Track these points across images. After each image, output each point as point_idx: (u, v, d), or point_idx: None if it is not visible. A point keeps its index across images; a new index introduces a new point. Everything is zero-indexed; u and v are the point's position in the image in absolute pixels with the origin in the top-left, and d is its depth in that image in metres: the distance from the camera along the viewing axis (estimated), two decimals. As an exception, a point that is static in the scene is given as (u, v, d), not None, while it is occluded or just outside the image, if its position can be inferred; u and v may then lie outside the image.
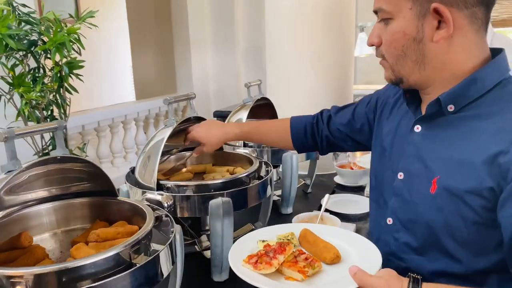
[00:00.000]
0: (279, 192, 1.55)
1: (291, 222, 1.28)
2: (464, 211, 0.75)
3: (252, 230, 1.29)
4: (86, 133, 3.43)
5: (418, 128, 0.85)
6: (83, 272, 0.64)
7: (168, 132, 1.11)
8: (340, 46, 1.95)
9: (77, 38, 1.54)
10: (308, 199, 1.68)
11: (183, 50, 5.35)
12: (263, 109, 1.69)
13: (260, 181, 1.11)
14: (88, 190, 0.91)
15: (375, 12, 0.83)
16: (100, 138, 3.68)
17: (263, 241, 0.87)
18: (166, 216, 0.86)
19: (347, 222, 1.39)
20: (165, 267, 0.74)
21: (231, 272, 1.04)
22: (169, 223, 0.84)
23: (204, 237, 1.24)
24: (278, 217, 1.48)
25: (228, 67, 5.39)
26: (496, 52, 0.80)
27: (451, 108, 0.79)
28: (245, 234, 1.22)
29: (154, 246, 0.79)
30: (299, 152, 1.26)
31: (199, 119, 1.20)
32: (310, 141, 1.19)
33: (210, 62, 5.52)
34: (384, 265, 0.81)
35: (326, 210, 1.44)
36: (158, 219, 0.86)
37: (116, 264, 0.68)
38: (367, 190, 1.69)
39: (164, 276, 0.75)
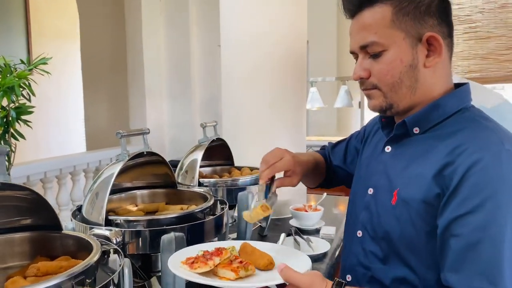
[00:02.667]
0: (234, 235, 1.51)
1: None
2: (416, 220, 0.82)
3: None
4: (32, 184, 3.24)
5: (388, 149, 0.94)
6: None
7: (118, 167, 1.08)
8: (293, 96, 2.00)
9: (27, 84, 1.50)
10: (264, 242, 1.64)
11: (138, 100, 5.33)
12: (218, 150, 1.68)
13: (214, 216, 1.08)
14: (30, 223, 0.84)
15: (362, 47, 0.88)
16: (46, 190, 3.49)
17: (202, 251, 0.89)
18: (115, 251, 0.81)
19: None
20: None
21: None
22: (118, 258, 0.79)
23: (154, 279, 1.17)
24: (233, 259, 1.44)
25: (183, 117, 5.40)
26: (460, 85, 0.90)
27: (416, 130, 0.88)
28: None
29: (100, 280, 0.73)
30: (324, 186, 1.29)
31: (153, 154, 1.17)
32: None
33: (165, 112, 5.52)
34: (353, 274, 0.90)
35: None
36: (105, 253, 0.81)
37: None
38: (322, 232, 1.69)
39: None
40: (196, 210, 1.07)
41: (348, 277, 1.00)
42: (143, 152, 1.15)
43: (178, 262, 0.85)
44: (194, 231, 1.02)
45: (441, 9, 0.85)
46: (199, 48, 5.44)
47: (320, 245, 1.53)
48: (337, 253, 1.56)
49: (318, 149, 1.37)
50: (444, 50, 0.85)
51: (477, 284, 0.73)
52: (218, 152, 1.70)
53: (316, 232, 1.72)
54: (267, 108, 1.94)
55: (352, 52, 0.92)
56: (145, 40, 5.22)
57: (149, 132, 1.18)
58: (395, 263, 0.86)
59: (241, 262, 0.85)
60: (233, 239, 1.53)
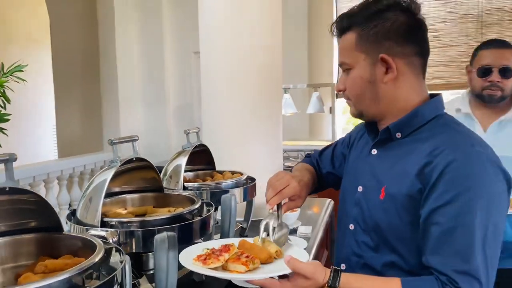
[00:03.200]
0: (217, 236, 1.59)
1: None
2: (401, 212, 0.96)
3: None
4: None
5: (374, 151, 1.08)
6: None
7: (111, 172, 1.14)
8: (270, 103, 2.10)
9: (2, 91, 1.53)
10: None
11: (111, 108, 5.32)
12: (200, 155, 1.76)
13: (202, 217, 1.16)
14: (34, 225, 0.90)
15: (340, 64, 1.07)
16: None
17: (208, 249, 1.01)
18: (116, 249, 0.87)
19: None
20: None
21: None
22: (118, 256, 0.86)
23: (144, 279, 1.24)
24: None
25: (158, 125, 5.43)
26: (435, 95, 1.06)
27: (398, 135, 1.03)
28: (185, 274, 1.26)
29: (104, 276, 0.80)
30: (314, 191, 1.35)
31: (142, 160, 1.24)
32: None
33: (140, 120, 5.53)
34: (347, 263, 1.04)
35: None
36: (107, 251, 0.88)
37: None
38: (299, 231, 1.79)
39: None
40: (185, 212, 1.15)
41: (343, 266, 1.11)
42: (132, 158, 1.22)
43: (190, 259, 0.95)
44: (184, 231, 1.10)
45: (399, 32, 0.99)
46: (173, 55, 5.48)
47: (299, 243, 1.63)
48: (313, 250, 1.66)
49: (294, 153, 1.46)
50: (404, 67, 1.00)
51: (453, 263, 0.86)
52: (200, 158, 1.78)
53: (293, 231, 1.82)
54: (246, 115, 2.03)
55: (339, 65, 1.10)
56: (118, 47, 5.22)
57: (138, 139, 1.25)
58: (384, 250, 1.00)
59: (247, 256, 0.94)
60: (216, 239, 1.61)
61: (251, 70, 2.03)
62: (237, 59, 2.02)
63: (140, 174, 1.33)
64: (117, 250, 0.87)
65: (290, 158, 4.18)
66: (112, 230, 1.02)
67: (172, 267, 1.04)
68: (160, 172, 1.61)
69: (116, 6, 5.10)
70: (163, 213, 1.24)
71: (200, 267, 0.92)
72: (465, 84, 4.73)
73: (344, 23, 1.04)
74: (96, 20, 5.24)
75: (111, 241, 0.99)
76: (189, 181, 1.62)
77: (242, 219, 1.83)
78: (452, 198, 0.88)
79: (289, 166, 3.81)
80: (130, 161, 1.22)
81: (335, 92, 4.57)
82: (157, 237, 1.03)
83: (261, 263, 0.96)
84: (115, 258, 0.87)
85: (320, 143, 4.31)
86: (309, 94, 4.53)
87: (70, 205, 4.00)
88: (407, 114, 1.01)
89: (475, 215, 0.87)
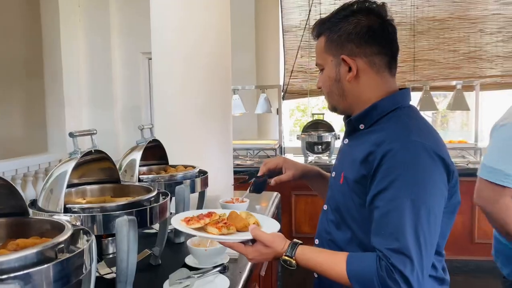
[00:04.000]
0: (171, 226, 1.69)
1: (183, 250, 1.44)
2: (353, 195, 1.10)
3: (150, 254, 1.42)
4: None
5: (346, 141, 1.22)
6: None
7: (72, 164, 1.22)
8: (221, 103, 2.23)
9: None
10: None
11: (56, 108, 5.20)
12: (153, 151, 1.85)
13: (159, 203, 1.27)
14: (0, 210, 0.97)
15: (316, 65, 1.21)
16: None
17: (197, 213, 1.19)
18: (84, 231, 0.94)
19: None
20: (83, 267, 0.83)
21: (134, 285, 1.18)
22: (85, 236, 0.94)
23: (103, 263, 1.32)
24: (172, 246, 1.62)
25: (105, 125, 5.36)
26: (403, 89, 1.16)
27: (362, 126, 1.14)
28: (143, 258, 1.36)
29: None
30: None
31: (99, 152, 1.32)
32: None
33: (85, 120, 5.44)
34: (319, 238, 1.20)
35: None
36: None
37: (44, 260, 0.76)
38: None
39: (83, 273, 0.83)
40: (143, 199, 1.24)
41: (316, 241, 1.24)
42: (91, 150, 1.30)
43: (178, 220, 1.15)
44: (142, 216, 1.20)
45: (361, 35, 1.09)
46: (120, 56, 5.45)
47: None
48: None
49: (243, 152, 1.61)
50: (365, 66, 1.11)
51: (388, 243, 0.95)
52: (153, 153, 1.87)
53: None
54: (197, 113, 2.14)
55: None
56: (63, 46, 5.10)
57: (96, 133, 1.33)
58: (344, 228, 1.13)
59: (225, 223, 1.11)
60: (170, 229, 1.71)
61: (201, 71, 2.14)
62: (188, 61, 2.13)
63: (98, 166, 1.40)
64: (84, 232, 0.95)
65: (239, 157, 4.32)
66: (75, 215, 1.11)
67: (132, 248, 1.14)
68: (116, 166, 1.69)
69: (60, 3, 5.00)
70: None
71: (183, 226, 1.10)
72: (400, 88, 5.09)
73: (316, 29, 1.18)
74: (39, 16, 5.10)
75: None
76: (143, 174, 1.71)
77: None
78: (387, 185, 0.98)
79: (238, 165, 3.95)
80: (89, 153, 1.30)
81: (282, 93, 4.77)
82: (118, 220, 1.12)
83: (237, 231, 1.12)
84: (82, 238, 0.96)
85: (267, 142, 4.49)
86: (257, 96, 4.70)
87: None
88: (367, 108, 1.12)
89: (406, 200, 0.95)
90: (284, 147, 4.49)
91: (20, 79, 5.37)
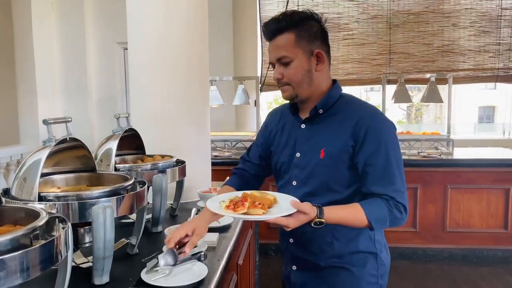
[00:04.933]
0: (148, 216, 1.68)
1: (161, 240, 1.42)
2: (340, 164, 1.33)
3: (127, 243, 1.41)
4: None
5: (303, 126, 1.42)
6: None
7: (46, 151, 1.19)
8: (198, 92, 2.22)
9: None
10: (175, 220, 1.84)
11: (28, 98, 5.07)
12: (129, 141, 1.83)
13: (136, 191, 1.26)
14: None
15: (278, 59, 1.34)
16: None
17: (223, 201, 1.22)
18: (59, 218, 0.93)
19: (211, 232, 1.59)
20: (59, 254, 0.82)
21: (111, 274, 1.16)
22: (60, 223, 0.92)
23: (78, 253, 1.31)
24: (149, 235, 1.61)
25: (79, 116, 5.25)
26: (334, 80, 1.43)
27: (321, 111, 1.38)
28: (120, 247, 1.34)
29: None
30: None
31: (74, 140, 1.30)
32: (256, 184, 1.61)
33: (59, 110, 5.32)
34: None
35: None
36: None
37: (18, 246, 0.75)
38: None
39: (59, 260, 0.82)
40: (120, 187, 1.23)
41: None
42: (66, 138, 1.28)
43: (221, 209, 1.18)
44: (119, 203, 1.19)
45: (322, 35, 1.36)
46: (95, 45, 5.33)
47: (225, 219, 1.77)
48: (239, 225, 1.81)
49: (221, 143, 1.58)
50: (325, 60, 1.36)
51: (390, 187, 1.28)
52: (129, 143, 1.85)
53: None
54: (174, 104, 2.13)
55: (271, 63, 1.38)
56: (35, 35, 4.97)
57: (71, 120, 1.30)
58: (323, 193, 1.36)
59: (259, 203, 1.19)
60: (147, 218, 1.70)
61: (178, 60, 2.12)
62: (164, 50, 2.11)
63: (73, 154, 1.38)
64: (60, 220, 0.94)
65: (217, 148, 4.31)
66: (50, 203, 1.09)
67: (109, 236, 1.13)
68: (91, 155, 1.67)
69: (32, -11, 4.85)
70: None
71: (233, 213, 1.16)
72: (375, 80, 5.18)
73: (281, 25, 1.32)
74: (9, 6, 4.95)
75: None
76: (119, 163, 1.69)
77: (172, 201, 1.93)
78: (376, 148, 1.30)
79: (216, 156, 3.94)
80: (63, 141, 1.27)
81: (259, 85, 4.78)
82: (95, 208, 1.11)
83: (268, 207, 1.22)
84: (57, 226, 0.94)
85: (245, 134, 4.49)
86: (235, 87, 4.69)
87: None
88: (326, 95, 1.38)
89: (391, 156, 1.30)
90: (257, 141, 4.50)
91: (-11, 69, 5.20)
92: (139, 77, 2.16)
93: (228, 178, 1.62)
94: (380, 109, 4.13)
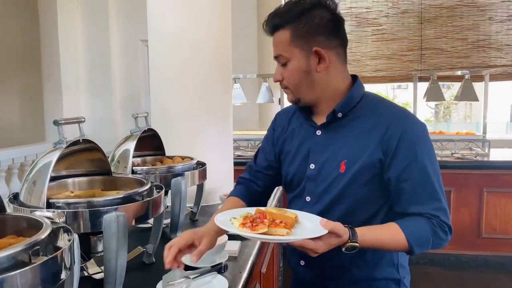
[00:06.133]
0: (167, 220, 1.59)
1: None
2: (364, 180, 1.12)
3: (143, 252, 1.32)
4: None
5: (319, 132, 1.20)
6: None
7: (57, 154, 1.11)
8: (220, 90, 2.12)
9: None
10: (196, 225, 1.74)
11: (54, 96, 5.10)
12: (148, 140, 1.75)
13: (152, 197, 1.17)
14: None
15: (276, 57, 1.17)
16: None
17: (234, 218, 1.03)
18: (64, 229, 0.85)
19: (232, 240, 1.50)
20: (62, 271, 0.74)
21: (125, 286, 1.08)
22: (66, 235, 0.83)
23: (92, 261, 1.23)
24: (168, 242, 1.52)
25: (103, 113, 5.25)
26: (354, 77, 1.21)
27: (340, 115, 1.16)
28: (135, 257, 1.26)
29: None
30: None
31: (88, 142, 1.22)
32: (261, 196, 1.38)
33: (83, 108, 5.33)
34: None
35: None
36: (54, 231, 0.85)
37: (15, 264, 0.66)
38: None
39: (62, 279, 0.74)
40: (134, 193, 1.14)
41: None
42: (79, 140, 1.18)
43: (235, 227, 0.98)
44: (133, 211, 1.10)
45: (328, 28, 1.12)
46: (119, 43, 5.32)
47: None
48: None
49: (244, 142, 1.42)
50: (333, 57, 1.13)
51: (432, 205, 1.09)
52: (149, 143, 1.77)
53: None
54: (195, 102, 2.03)
55: (275, 57, 1.19)
56: (61, 34, 4.99)
57: (84, 121, 1.22)
58: (335, 211, 1.15)
59: (281, 222, 1.00)
60: (166, 224, 1.61)
61: (200, 59, 2.03)
62: (186, 48, 2.02)
63: (87, 157, 1.30)
64: (65, 230, 0.85)
65: (240, 148, 4.22)
66: (59, 211, 1.00)
67: (121, 248, 1.04)
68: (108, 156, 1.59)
69: (58, -11, 4.87)
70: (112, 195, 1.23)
71: (251, 233, 0.96)
72: (405, 77, 4.98)
73: (276, 22, 1.14)
74: (36, 2, 4.97)
75: (58, 221, 0.97)
76: (137, 165, 1.61)
77: (192, 204, 1.84)
78: (412, 159, 1.10)
79: (239, 155, 3.85)
80: (76, 142, 1.19)
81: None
82: (106, 216, 1.02)
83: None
84: (63, 237, 0.85)
85: (269, 133, 4.39)
86: (259, 85, 4.58)
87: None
88: (346, 96, 1.16)
89: (429, 168, 1.11)
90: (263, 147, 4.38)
91: (17, 68, 5.25)
92: (159, 75, 2.08)
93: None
94: (411, 108, 3.95)
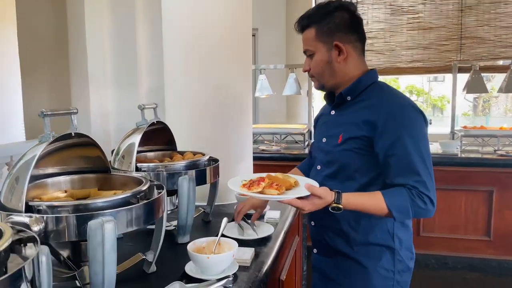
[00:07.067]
0: (176, 222, 1.45)
1: (186, 253, 1.20)
2: (355, 149, 1.34)
3: (143, 259, 1.18)
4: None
5: (333, 112, 1.47)
6: None
7: (40, 148, 0.99)
8: (239, 81, 1.96)
9: None
10: (208, 228, 1.60)
11: (80, 88, 5.05)
12: (159, 134, 1.61)
13: (150, 199, 1.02)
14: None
15: (304, 51, 1.43)
16: (-21, 180, 3.23)
17: (245, 180, 1.29)
18: (31, 239, 0.74)
19: (245, 246, 1.34)
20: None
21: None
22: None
23: (86, 269, 1.09)
24: (175, 246, 1.38)
25: (129, 105, 5.18)
26: (374, 70, 1.44)
27: (349, 98, 1.40)
28: (134, 264, 1.12)
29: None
30: None
31: (81, 136, 1.09)
32: None
33: (110, 100, 5.29)
34: None
35: (225, 236, 1.38)
36: (20, 241, 0.73)
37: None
38: (267, 216, 1.67)
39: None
40: (128, 195, 1.00)
41: None
42: (70, 134, 1.06)
43: (238, 186, 1.25)
44: (125, 217, 0.95)
45: (347, 26, 1.36)
46: (146, 34, 5.23)
47: (264, 229, 1.51)
48: (280, 236, 1.54)
49: (269, 136, 1.57)
50: (351, 50, 1.38)
51: (413, 178, 1.26)
52: (159, 136, 1.63)
53: (261, 217, 1.70)
54: (211, 93, 1.88)
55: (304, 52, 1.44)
56: (88, 24, 4.95)
57: (77, 112, 1.08)
58: (341, 177, 1.39)
59: (277, 184, 1.23)
60: (174, 226, 1.47)
61: (216, 46, 1.87)
62: (201, 35, 1.87)
63: (82, 153, 1.17)
64: (32, 240, 0.73)
65: (265, 142, 4.06)
66: (38, 216, 0.88)
67: (109, 258, 0.91)
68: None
69: (85, -21, 4.81)
70: (105, 196, 1.09)
71: (246, 191, 1.22)
72: (443, 68, 4.67)
73: (304, 23, 1.40)
74: (63, -7, 4.94)
75: (36, 229, 0.86)
76: (144, 161, 1.47)
77: (206, 203, 1.69)
78: (397, 137, 1.28)
79: (263, 150, 3.68)
80: (67, 136, 1.07)
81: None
82: (91, 223, 0.88)
83: (287, 189, 1.26)
84: (30, 249, 0.72)
85: (296, 126, 4.19)
86: (287, 76, 4.38)
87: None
88: (353, 82, 1.39)
89: (413, 145, 1.28)
90: (313, 132, 4.18)
91: (45, 57, 5.26)
92: (172, 64, 1.94)
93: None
94: (450, 100, 3.67)
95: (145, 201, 1.01)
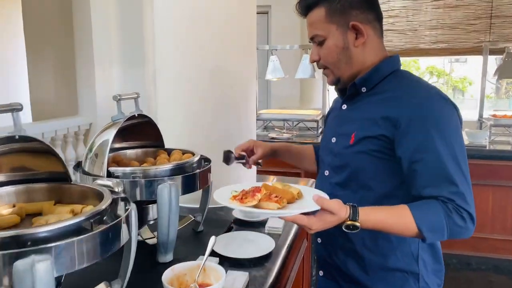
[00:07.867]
0: (154, 240, 1.23)
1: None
2: (369, 151, 1.10)
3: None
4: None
5: (344, 106, 1.22)
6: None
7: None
8: (239, 65, 1.71)
9: None
10: (198, 240, 1.36)
11: (86, 68, 4.89)
12: (143, 128, 1.37)
13: (108, 225, 0.79)
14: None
15: (311, 38, 1.17)
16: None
17: (235, 191, 1.06)
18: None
19: (238, 269, 1.12)
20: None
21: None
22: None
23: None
24: (155, 266, 1.16)
25: (137, 88, 4.96)
26: (393, 56, 1.19)
27: (363, 89, 1.16)
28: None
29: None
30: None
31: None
32: None
33: (117, 82, 5.10)
34: None
35: (216, 254, 1.17)
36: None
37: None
38: (268, 225, 1.44)
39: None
40: (79, 219, 0.76)
41: None
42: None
43: (226, 199, 1.02)
44: (69, 252, 0.72)
45: (363, 1, 1.12)
46: (152, 12, 4.99)
47: (263, 245, 1.28)
48: (283, 251, 1.31)
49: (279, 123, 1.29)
50: (370, 31, 1.13)
51: (447, 188, 1.01)
52: (144, 132, 1.39)
53: (261, 225, 1.47)
54: (207, 76, 1.63)
55: (311, 39, 1.19)
56: (92, 2, 4.74)
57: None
58: (353, 186, 1.15)
59: (276, 196, 1.00)
60: (152, 244, 1.26)
61: (213, 25, 1.62)
62: (196, 12, 1.61)
63: (34, 158, 0.94)
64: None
65: (276, 129, 3.81)
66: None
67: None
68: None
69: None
70: (61, 216, 0.87)
71: (238, 205, 0.99)
72: (470, 49, 4.31)
73: (310, 1, 1.14)
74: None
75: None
76: (121, 162, 1.24)
77: (198, 206, 1.46)
78: (424, 137, 1.03)
79: (273, 138, 3.44)
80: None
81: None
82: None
83: (288, 202, 1.03)
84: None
85: (309, 112, 3.91)
86: (301, 57, 4.09)
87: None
88: (370, 70, 1.14)
89: (445, 147, 1.03)
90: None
91: (50, 40, 5.07)
92: (163, 46, 1.69)
93: None
94: (472, 82, 3.35)
95: (104, 226, 0.78)
